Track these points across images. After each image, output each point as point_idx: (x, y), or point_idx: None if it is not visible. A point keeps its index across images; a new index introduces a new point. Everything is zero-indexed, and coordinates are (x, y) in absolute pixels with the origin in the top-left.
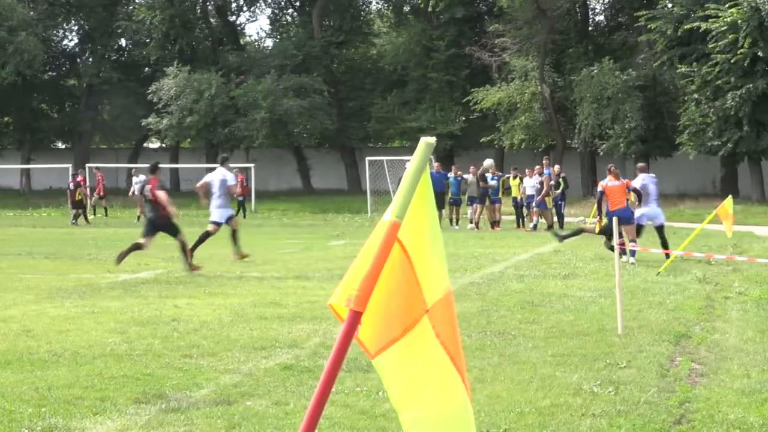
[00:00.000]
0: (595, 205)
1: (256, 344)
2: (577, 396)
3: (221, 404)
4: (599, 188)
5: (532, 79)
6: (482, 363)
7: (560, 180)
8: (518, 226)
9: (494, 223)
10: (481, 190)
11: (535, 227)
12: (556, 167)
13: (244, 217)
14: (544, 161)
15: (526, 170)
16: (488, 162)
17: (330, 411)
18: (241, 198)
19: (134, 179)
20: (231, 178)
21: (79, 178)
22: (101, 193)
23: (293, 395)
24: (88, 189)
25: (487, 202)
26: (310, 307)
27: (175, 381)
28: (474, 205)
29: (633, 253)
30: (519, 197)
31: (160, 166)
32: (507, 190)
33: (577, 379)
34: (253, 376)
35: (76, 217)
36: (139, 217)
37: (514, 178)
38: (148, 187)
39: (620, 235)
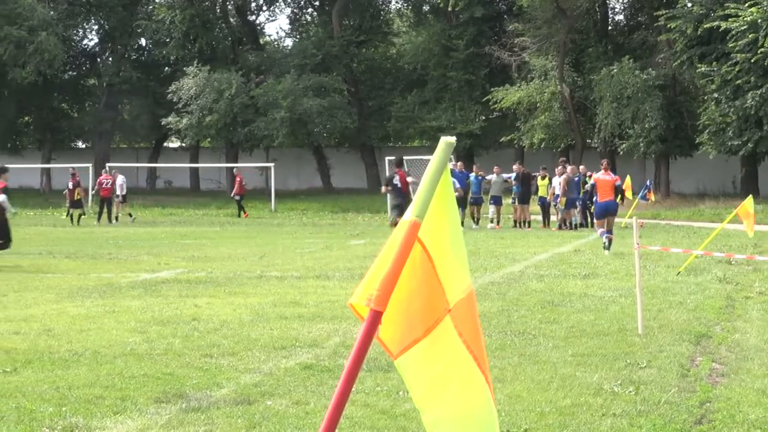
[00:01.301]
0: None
1: (277, 344)
2: (598, 396)
3: (241, 404)
4: (591, 181)
5: (552, 78)
6: (502, 363)
7: (586, 179)
8: (544, 225)
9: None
10: (515, 190)
11: (560, 227)
12: (582, 167)
13: (242, 216)
14: (560, 162)
15: (556, 170)
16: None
17: (350, 411)
18: (238, 197)
19: (119, 177)
20: None
21: (78, 178)
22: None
23: (313, 395)
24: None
25: (517, 202)
26: (330, 306)
27: (195, 380)
28: (497, 206)
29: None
30: (548, 197)
31: None
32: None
33: (597, 379)
34: (273, 375)
35: (71, 216)
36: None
37: (543, 178)
38: None
39: (604, 225)
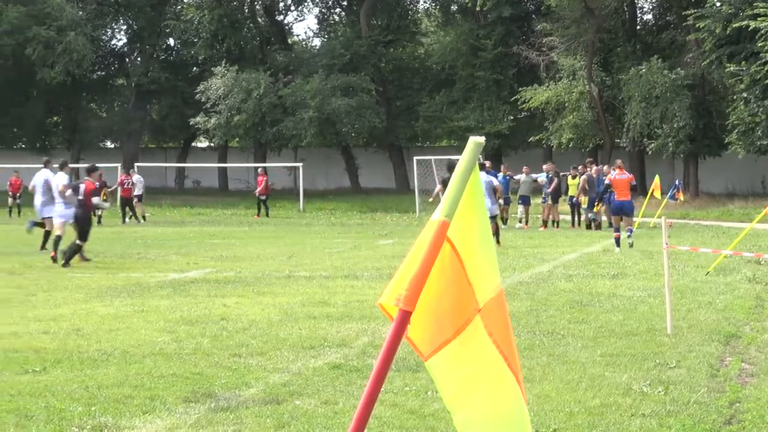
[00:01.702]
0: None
1: (305, 343)
2: (627, 396)
3: (270, 403)
4: (606, 180)
5: (580, 78)
6: (531, 363)
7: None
8: (573, 225)
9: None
10: (545, 189)
11: (588, 227)
12: (605, 167)
13: (267, 215)
14: (586, 163)
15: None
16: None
17: (379, 410)
18: (264, 197)
19: (134, 179)
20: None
21: (103, 178)
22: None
23: (342, 394)
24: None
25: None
26: (359, 306)
27: (224, 380)
28: (525, 206)
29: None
30: (576, 197)
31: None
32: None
33: (626, 379)
34: (302, 375)
35: (98, 216)
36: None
37: (573, 177)
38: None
39: (617, 224)
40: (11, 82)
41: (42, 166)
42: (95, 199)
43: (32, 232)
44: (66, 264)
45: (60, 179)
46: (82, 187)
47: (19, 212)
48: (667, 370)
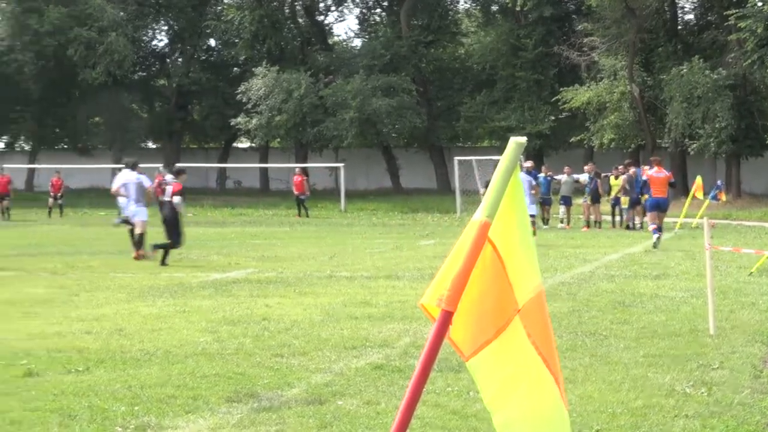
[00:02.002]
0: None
1: (347, 344)
2: (670, 397)
3: (312, 404)
4: (644, 177)
5: (621, 78)
6: (573, 363)
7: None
8: (614, 225)
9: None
10: (587, 190)
11: (628, 227)
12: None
13: (307, 215)
14: (626, 164)
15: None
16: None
17: (421, 411)
18: (303, 197)
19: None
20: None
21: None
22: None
23: (384, 395)
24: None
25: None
26: (401, 306)
27: (266, 380)
28: (567, 206)
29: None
30: (617, 197)
31: None
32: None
33: (669, 380)
34: (344, 375)
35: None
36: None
37: (616, 178)
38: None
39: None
40: (53, 83)
41: (123, 166)
42: (175, 199)
43: (120, 227)
44: (163, 263)
45: (145, 180)
46: (169, 189)
47: (60, 212)
48: (710, 371)
